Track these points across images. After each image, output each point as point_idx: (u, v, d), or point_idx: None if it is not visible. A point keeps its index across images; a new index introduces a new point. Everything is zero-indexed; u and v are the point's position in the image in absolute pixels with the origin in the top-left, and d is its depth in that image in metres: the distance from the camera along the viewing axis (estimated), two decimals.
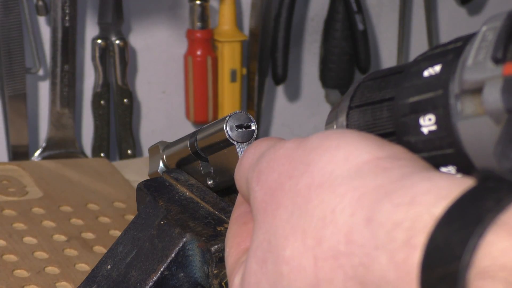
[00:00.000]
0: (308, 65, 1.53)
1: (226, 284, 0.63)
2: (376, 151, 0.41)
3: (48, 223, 1.04)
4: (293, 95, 1.54)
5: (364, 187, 0.39)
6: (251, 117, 0.66)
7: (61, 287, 0.93)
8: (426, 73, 0.46)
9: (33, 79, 1.32)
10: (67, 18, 1.26)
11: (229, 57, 1.38)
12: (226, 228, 0.65)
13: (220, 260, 0.63)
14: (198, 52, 1.37)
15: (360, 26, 1.44)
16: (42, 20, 1.30)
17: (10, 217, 1.03)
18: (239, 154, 0.65)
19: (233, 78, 1.39)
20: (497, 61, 0.41)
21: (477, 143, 0.43)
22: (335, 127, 0.53)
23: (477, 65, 0.42)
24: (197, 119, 1.40)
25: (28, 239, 1.00)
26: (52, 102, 1.30)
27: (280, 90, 1.52)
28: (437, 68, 0.45)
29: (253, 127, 0.66)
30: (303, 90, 1.54)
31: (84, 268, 0.96)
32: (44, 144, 1.32)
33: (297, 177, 0.42)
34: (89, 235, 1.04)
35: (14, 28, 1.24)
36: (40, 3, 1.25)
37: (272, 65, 1.43)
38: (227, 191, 0.72)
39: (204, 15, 1.36)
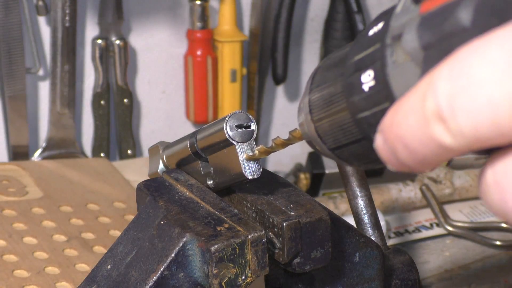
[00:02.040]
0: (308, 65, 1.53)
1: (226, 284, 0.63)
2: None
3: (48, 223, 1.04)
4: (293, 95, 1.54)
5: None
6: (251, 117, 0.66)
7: (61, 287, 0.93)
8: (371, 32, 0.45)
9: (33, 79, 1.32)
10: (67, 18, 1.26)
11: (229, 57, 1.38)
12: (226, 228, 0.65)
13: (220, 260, 0.63)
14: (198, 52, 1.37)
15: (360, 26, 1.43)
16: (42, 20, 1.30)
17: (10, 217, 1.03)
18: (239, 154, 0.65)
19: (233, 78, 1.39)
20: (417, 1, 0.40)
21: (407, 91, 0.41)
22: (302, 108, 0.52)
23: (403, 10, 0.42)
24: (197, 119, 1.40)
25: (28, 239, 1.00)
26: (52, 102, 1.30)
27: (280, 90, 1.52)
28: (380, 25, 0.45)
29: (252, 127, 0.66)
30: (303, 90, 1.54)
31: (84, 268, 0.96)
32: (44, 144, 1.32)
33: None
34: (89, 235, 1.04)
35: (14, 28, 1.24)
36: (40, 3, 1.25)
37: (272, 65, 1.43)
38: (227, 191, 0.72)
39: (204, 15, 1.36)
